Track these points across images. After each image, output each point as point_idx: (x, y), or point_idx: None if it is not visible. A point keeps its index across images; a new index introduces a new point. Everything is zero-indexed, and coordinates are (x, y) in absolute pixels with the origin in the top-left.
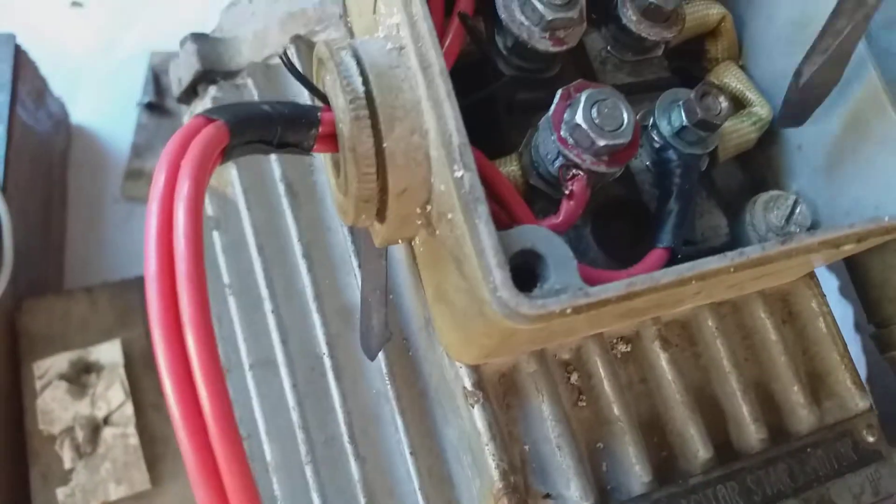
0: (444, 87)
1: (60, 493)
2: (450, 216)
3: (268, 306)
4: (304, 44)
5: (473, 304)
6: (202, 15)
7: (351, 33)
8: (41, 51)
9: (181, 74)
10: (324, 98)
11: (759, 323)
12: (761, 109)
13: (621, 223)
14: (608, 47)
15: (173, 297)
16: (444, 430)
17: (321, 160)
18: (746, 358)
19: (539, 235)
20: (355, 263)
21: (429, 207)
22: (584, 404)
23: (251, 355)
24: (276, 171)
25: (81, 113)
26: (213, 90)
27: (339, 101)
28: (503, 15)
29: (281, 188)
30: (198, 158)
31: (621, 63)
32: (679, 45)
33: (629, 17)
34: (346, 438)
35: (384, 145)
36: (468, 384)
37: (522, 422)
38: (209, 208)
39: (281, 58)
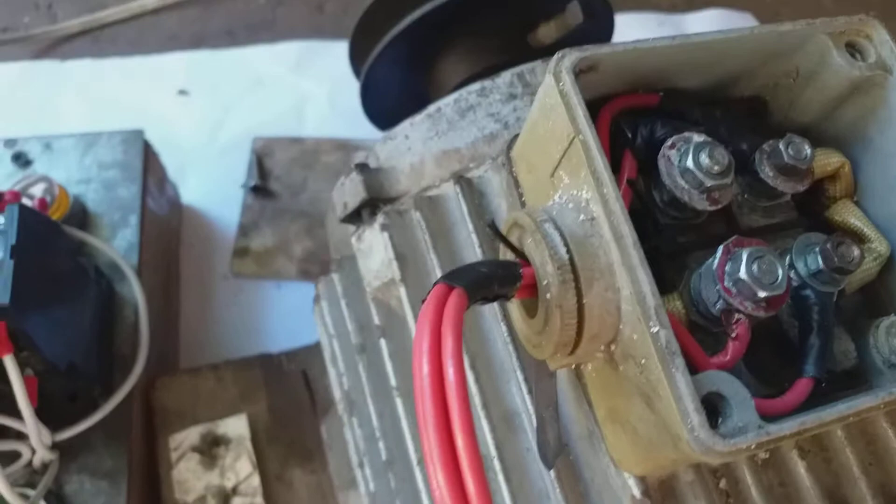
0: (636, 256)
1: None
2: (643, 361)
3: None
4: (465, 183)
5: (663, 435)
6: (297, 103)
7: (516, 182)
8: (152, 136)
9: (347, 199)
10: (521, 255)
11: (881, 432)
12: (880, 246)
13: (764, 349)
14: (745, 194)
15: (449, 436)
16: None
17: None
18: (871, 463)
19: (722, 379)
20: (519, 375)
21: (613, 347)
22: None
23: (419, 452)
24: None
25: (190, 194)
26: (381, 217)
27: (547, 267)
28: (667, 181)
29: None
30: (454, 323)
31: (755, 207)
32: None
33: (766, 173)
34: None
35: (584, 301)
36: (637, 493)
37: None
38: (376, 318)
39: (489, 227)
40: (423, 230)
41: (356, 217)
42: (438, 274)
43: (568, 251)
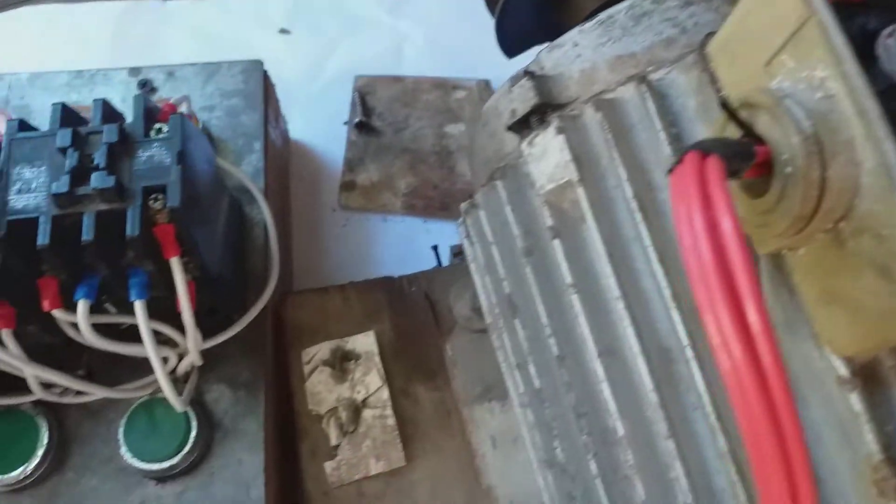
0: (883, 128)
1: (328, 466)
2: (885, 232)
3: (619, 304)
4: (648, 86)
5: None
6: (394, 43)
7: (713, 78)
8: None
9: (515, 106)
10: (750, 134)
11: None
12: None
13: None
14: None
15: (730, 284)
16: (803, 412)
17: (658, 181)
18: None
19: None
20: None
21: (842, 224)
22: None
23: (599, 344)
24: (628, 190)
25: (295, 130)
26: (556, 121)
27: (792, 139)
28: (886, 67)
29: (634, 204)
30: (721, 184)
31: None
32: None
33: None
34: (712, 417)
35: (826, 174)
36: (845, 373)
37: (884, 406)
38: (549, 220)
39: (722, 105)
40: (604, 130)
41: (524, 125)
42: (621, 173)
43: (812, 126)
